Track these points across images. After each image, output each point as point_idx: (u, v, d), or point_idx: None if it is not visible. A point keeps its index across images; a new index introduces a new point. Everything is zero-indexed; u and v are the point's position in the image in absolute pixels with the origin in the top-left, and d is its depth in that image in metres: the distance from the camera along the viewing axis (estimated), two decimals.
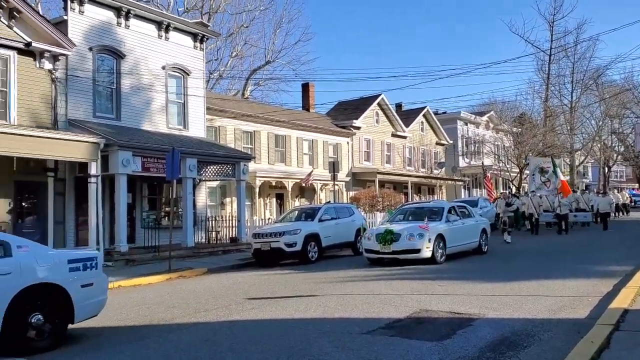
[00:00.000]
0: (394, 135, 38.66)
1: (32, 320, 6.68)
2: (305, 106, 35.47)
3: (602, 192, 34.59)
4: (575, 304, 8.33)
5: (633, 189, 59.89)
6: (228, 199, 26.35)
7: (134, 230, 19.89)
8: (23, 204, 17.13)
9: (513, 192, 33.60)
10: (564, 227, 24.44)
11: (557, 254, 16.02)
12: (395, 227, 14.78)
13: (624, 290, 8.58)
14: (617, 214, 34.68)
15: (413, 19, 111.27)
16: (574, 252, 16.69)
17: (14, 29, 16.65)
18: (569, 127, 47.09)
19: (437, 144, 43.49)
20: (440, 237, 14.58)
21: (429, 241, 14.11)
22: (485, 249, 16.76)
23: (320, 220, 17.48)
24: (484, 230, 16.94)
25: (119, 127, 19.18)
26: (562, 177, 27.74)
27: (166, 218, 20.75)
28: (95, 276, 7.63)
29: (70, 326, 7.30)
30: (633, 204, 44.97)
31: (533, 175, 28.93)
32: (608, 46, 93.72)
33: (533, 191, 27.67)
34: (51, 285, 6.96)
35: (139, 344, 7.13)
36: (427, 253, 14.06)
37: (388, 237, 14.35)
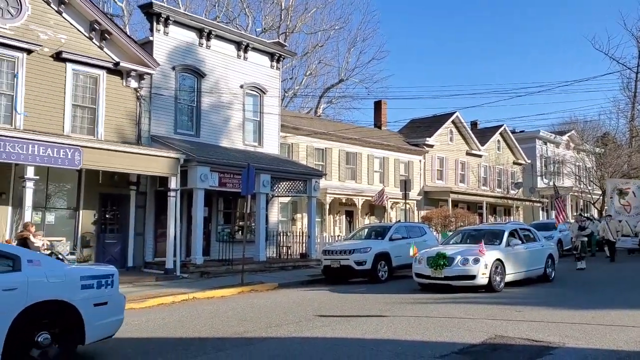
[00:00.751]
0: (468, 153, 37.87)
1: (39, 340, 6.39)
2: (377, 124, 35.46)
3: None
4: None
5: None
6: (299, 215, 26.65)
7: (209, 243, 20.46)
8: (107, 215, 18.02)
9: (587, 215, 31.67)
10: None
11: (636, 285, 14.95)
12: (449, 251, 13.77)
13: None
14: None
15: (495, 36, 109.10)
16: None
17: (104, 49, 17.71)
18: None
19: (514, 163, 42.21)
20: (499, 263, 13.56)
21: (485, 267, 13.07)
22: (552, 277, 15.63)
23: (391, 239, 17.30)
24: (550, 256, 15.77)
25: (198, 143, 19.89)
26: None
27: (240, 232, 21.21)
28: (110, 295, 7.26)
29: (122, 335, 7.56)
30: None
31: (611, 198, 27.36)
32: None
33: (610, 215, 25.97)
34: (61, 303, 6.63)
35: (212, 356, 7.28)
36: (482, 280, 13.05)
37: (440, 261, 13.31)
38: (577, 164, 43.11)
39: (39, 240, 13.52)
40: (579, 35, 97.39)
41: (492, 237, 14.83)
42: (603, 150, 40.41)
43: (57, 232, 16.48)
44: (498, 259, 13.54)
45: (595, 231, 24.49)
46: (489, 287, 13.13)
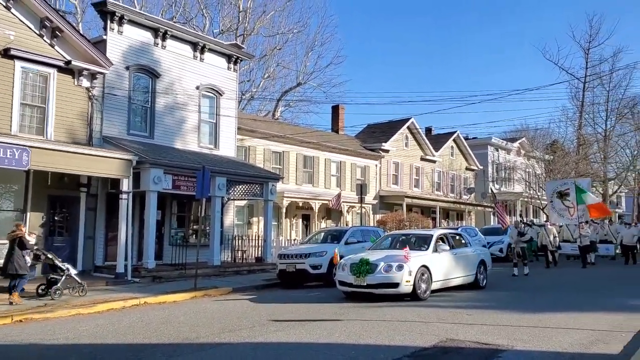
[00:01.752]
0: (423, 159, 38.50)
1: None
2: (335, 128, 35.66)
3: (628, 223, 31.68)
4: (608, 338, 8.10)
5: None
6: (255, 219, 26.49)
7: (162, 247, 20.11)
8: (55, 217, 17.49)
9: (526, 221, 31.52)
10: (589, 260, 23.10)
11: (578, 289, 15.30)
12: (372, 257, 12.95)
13: None
14: None
15: (447, 43, 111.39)
16: (596, 286, 16.08)
17: (56, 47, 17.20)
18: (602, 156, 46.17)
19: (467, 169, 43.15)
20: (425, 269, 12.81)
21: (410, 274, 12.30)
22: (484, 283, 15.10)
23: (346, 243, 17.38)
24: (482, 262, 15.24)
25: (151, 144, 19.53)
26: (590, 201, 24.67)
27: (194, 236, 20.92)
28: None
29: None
30: None
31: (551, 202, 26.33)
32: None
33: (546, 221, 25.79)
34: None
35: None
36: (406, 288, 12.30)
37: (363, 267, 12.51)
38: (527, 170, 44.45)
39: (32, 239, 13.47)
40: (529, 44, 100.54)
41: (421, 242, 14.25)
42: (552, 157, 41.78)
43: (2, 235, 15.88)
44: (424, 266, 12.82)
45: (535, 237, 24.46)
46: (414, 295, 12.42)
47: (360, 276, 12.53)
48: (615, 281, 17.47)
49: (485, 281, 15.26)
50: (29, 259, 13.02)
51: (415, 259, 12.76)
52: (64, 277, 13.33)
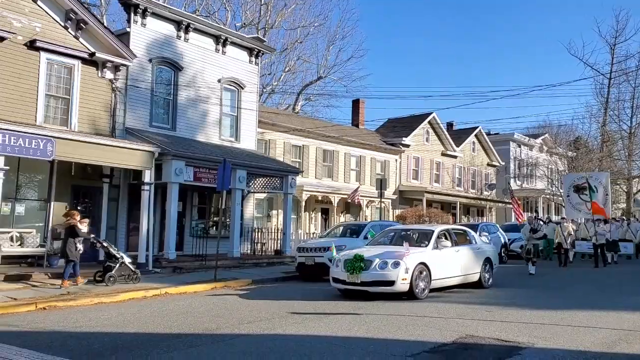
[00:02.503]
0: (444, 154, 38.22)
1: None
2: (355, 122, 35.55)
3: None
4: (631, 338, 7.98)
5: None
6: (274, 212, 26.58)
7: (183, 238, 20.30)
8: (78, 207, 17.69)
9: (539, 217, 30.40)
10: (610, 260, 21.97)
11: (593, 289, 14.60)
12: (368, 253, 12.37)
13: None
14: None
15: (472, 38, 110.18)
16: (614, 284, 15.78)
17: (80, 39, 17.39)
18: (627, 153, 45.35)
19: (488, 165, 42.74)
20: (424, 267, 12.16)
21: (406, 271, 11.66)
22: (489, 283, 14.32)
23: (365, 237, 17.36)
24: (487, 260, 14.42)
25: (173, 137, 19.68)
26: (594, 199, 23.09)
27: (214, 227, 21.08)
28: None
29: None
30: None
31: (568, 196, 25.36)
32: None
33: (564, 217, 24.66)
34: None
35: (183, 352, 7.22)
36: (402, 286, 11.65)
37: (357, 264, 11.88)
38: (550, 167, 43.87)
39: (85, 227, 13.86)
40: (555, 40, 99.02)
41: (421, 239, 13.60)
42: (575, 154, 41.15)
43: (27, 224, 16.17)
44: (422, 263, 12.15)
45: (552, 234, 23.44)
46: (411, 294, 11.79)
47: (354, 273, 11.87)
48: (636, 280, 17.15)
49: (490, 280, 14.48)
50: (80, 247, 13.51)
51: (413, 255, 12.13)
52: (117, 265, 13.82)
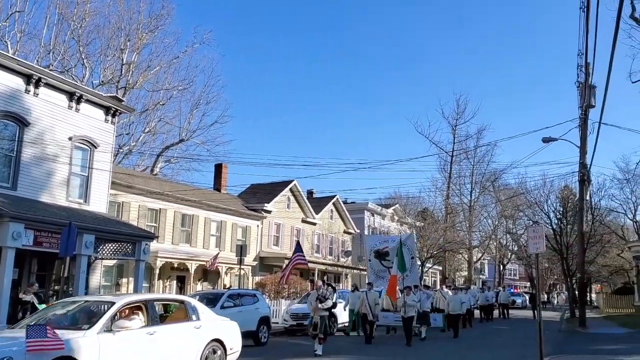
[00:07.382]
0: (304, 221, 38.97)
1: None
2: (217, 187, 35.20)
3: (454, 287, 26.78)
4: None
5: (511, 286, 56.58)
6: (124, 280, 25.02)
7: (17, 309, 18.22)
8: None
9: (329, 282, 25.63)
10: (420, 335, 18.91)
11: None
12: None
13: None
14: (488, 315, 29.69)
15: (328, 115, 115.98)
16: None
17: None
18: (468, 225, 49.62)
19: (345, 232, 44.26)
20: None
21: None
22: None
23: (222, 307, 16.89)
24: (216, 344, 10.39)
25: (14, 197, 18.01)
26: (396, 271, 20.25)
27: (54, 297, 19.22)
28: None
29: None
30: (512, 303, 40.16)
31: (369, 260, 23.10)
32: (504, 152, 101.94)
33: (370, 283, 20.87)
34: None
35: None
36: None
37: None
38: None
39: None
40: (404, 118, 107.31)
41: (88, 316, 9.08)
42: (423, 224, 44.16)
43: None
44: None
45: (347, 304, 21.10)
46: None
47: None
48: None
49: None
50: None
51: (46, 349, 7.36)
52: None
